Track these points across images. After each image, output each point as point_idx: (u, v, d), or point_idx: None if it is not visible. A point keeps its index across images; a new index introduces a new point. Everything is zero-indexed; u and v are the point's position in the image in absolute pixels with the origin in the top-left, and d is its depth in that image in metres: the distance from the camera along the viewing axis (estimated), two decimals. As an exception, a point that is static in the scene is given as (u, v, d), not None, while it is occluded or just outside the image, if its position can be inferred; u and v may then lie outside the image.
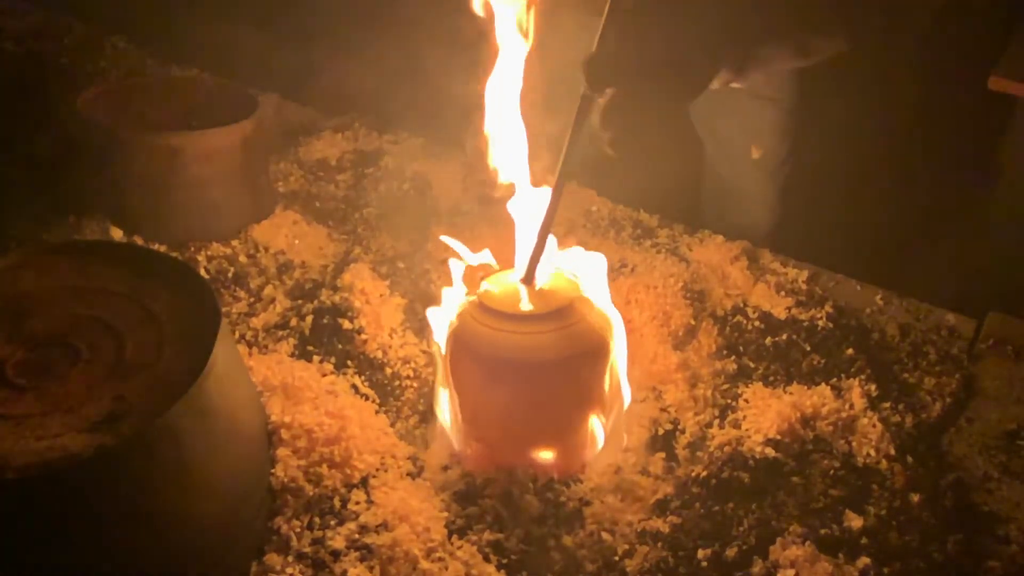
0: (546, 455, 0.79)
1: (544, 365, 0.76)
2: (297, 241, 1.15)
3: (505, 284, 0.81)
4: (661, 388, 0.93)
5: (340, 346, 0.94)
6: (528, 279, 0.80)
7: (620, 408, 0.83)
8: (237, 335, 0.96)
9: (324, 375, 0.89)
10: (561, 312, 0.78)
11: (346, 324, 0.96)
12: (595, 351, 0.78)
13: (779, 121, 1.43)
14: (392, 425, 0.86)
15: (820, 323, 1.00)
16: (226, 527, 0.67)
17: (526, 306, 0.79)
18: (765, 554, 0.72)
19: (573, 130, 0.76)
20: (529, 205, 0.81)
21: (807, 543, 0.72)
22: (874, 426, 0.84)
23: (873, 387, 0.90)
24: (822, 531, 0.74)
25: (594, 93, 0.75)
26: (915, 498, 0.77)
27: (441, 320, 0.82)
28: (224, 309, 0.99)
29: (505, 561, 0.73)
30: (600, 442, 0.82)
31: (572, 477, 0.79)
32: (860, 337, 0.99)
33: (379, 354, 0.95)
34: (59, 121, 1.25)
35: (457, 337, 0.79)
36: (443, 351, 0.80)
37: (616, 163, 0.78)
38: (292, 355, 0.93)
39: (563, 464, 0.80)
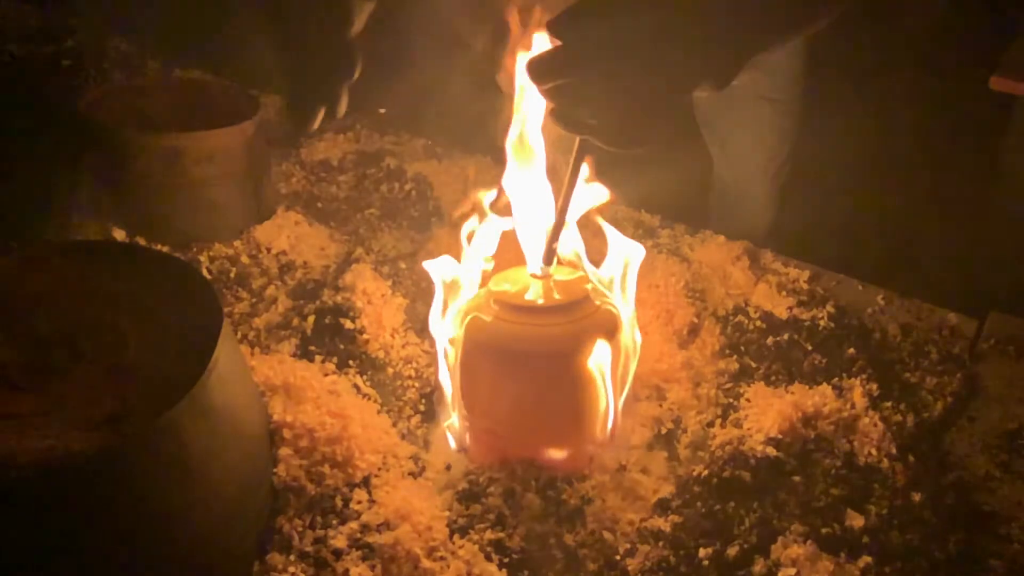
0: (554, 448, 0.80)
1: (558, 357, 0.77)
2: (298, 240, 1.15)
3: (517, 278, 0.82)
4: (665, 387, 0.93)
5: (342, 346, 0.94)
6: (548, 260, 0.80)
7: (625, 404, 0.83)
8: (239, 335, 0.96)
9: (326, 375, 0.89)
10: (574, 304, 0.78)
11: (348, 324, 0.96)
12: (608, 343, 0.78)
13: (780, 122, 1.44)
14: (394, 425, 0.86)
15: (821, 323, 1.00)
16: (228, 526, 0.67)
17: (539, 298, 0.79)
18: (767, 553, 0.72)
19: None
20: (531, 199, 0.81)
21: (808, 542, 0.72)
22: (875, 425, 0.84)
23: (874, 387, 0.90)
24: (823, 530, 0.74)
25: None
26: (917, 497, 0.77)
27: (449, 314, 0.82)
28: (226, 309, 1.00)
29: (506, 560, 0.73)
30: (607, 436, 0.82)
31: (574, 475, 0.79)
32: (861, 337, 0.99)
33: (381, 354, 0.95)
34: (61, 122, 1.25)
35: (470, 330, 0.79)
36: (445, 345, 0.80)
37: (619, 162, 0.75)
38: (294, 355, 0.93)
39: (570, 457, 0.80)
